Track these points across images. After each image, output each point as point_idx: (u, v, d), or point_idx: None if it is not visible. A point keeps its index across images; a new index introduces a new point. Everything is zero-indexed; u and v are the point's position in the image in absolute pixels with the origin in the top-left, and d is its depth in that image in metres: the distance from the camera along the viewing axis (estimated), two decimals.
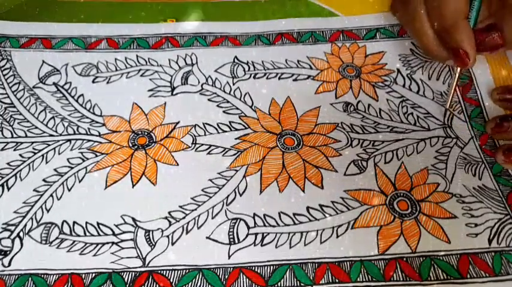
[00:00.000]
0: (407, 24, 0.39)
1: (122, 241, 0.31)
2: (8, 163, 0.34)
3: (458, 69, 0.36)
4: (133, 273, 0.29)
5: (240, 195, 0.33)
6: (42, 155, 0.34)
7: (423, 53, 0.41)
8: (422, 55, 0.41)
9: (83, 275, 0.29)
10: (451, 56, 0.35)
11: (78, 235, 0.31)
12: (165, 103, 0.38)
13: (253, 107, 0.38)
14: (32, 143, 0.35)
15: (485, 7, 0.37)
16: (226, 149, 0.35)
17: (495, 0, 0.37)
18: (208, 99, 0.38)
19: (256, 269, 0.30)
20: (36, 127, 0.36)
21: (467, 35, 0.33)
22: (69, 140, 0.35)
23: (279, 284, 0.29)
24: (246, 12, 0.44)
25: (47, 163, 0.34)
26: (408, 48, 0.42)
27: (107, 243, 0.30)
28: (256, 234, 0.31)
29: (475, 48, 0.34)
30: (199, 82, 0.39)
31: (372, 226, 0.31)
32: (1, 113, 0.36)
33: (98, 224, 0.31)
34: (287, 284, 0.29)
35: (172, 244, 0.31)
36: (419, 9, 0.36)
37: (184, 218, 0.32)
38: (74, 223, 0.31)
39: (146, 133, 0.36)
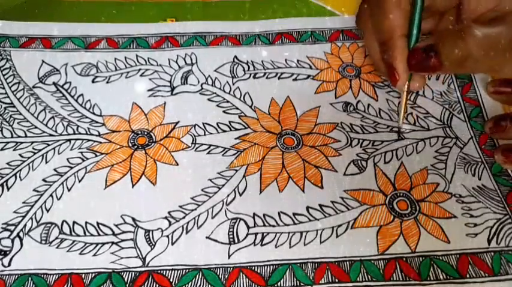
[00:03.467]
0: (362, 35, 0.38)
1: (122, 240, 0.31)
2: (7, 163, 0.34)
3: (405, 89, 0.34)
4: (133, 273, 0.29)
5: (240, 195, 0.33)
6: (42, 155, 0.34)
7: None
8: None
9: (83, 275, 0.29)
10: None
11: (78, 235, 0.31)
12: (164, 103, 0.38)
13: (252, 107, 0.38)
14: (32, 143, 0.35)
15: (434, 22, 0.36)
16: (226, 149, 0.35)
17: (445, 18, 0.36)
18: (208, 99, 0.38)
19: (256, 269, 0.30)
20: (36, 127, 0.36)
21: (399, 52, 0.32)
22: (69, 140, 0.35)
23: (278, 284, 0.29)
24: (245, 12, 0.44)
25: (46, 162, 0.34)
26: None
27: (107, 243, 0.30)
28: (256, 234, 0.31)
29: (405, 67, 0.32)
30: (199, 82, 0.39)
31: (371, 225, 0.31)
32: (1, 112, 0.36)
33: (98, 224, 0.31)
34: (287, 284, 0.29)
35: (172, 243, 0.31)
36: (367, 23, 0.35)
37: (184, 218, 0.32)
38: (74, 222, 0.31)
39: (146, 133, 0.36)
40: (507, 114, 0.36)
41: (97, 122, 0.36)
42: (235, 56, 0.41)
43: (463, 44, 0.30)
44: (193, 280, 0.29)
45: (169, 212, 0.32)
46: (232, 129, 0.36)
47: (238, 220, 0.32)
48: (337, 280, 0.29)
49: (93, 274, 0.29)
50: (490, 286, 0.29)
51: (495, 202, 0.33)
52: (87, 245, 0.30)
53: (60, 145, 0.35)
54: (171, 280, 0.29)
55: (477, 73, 0.39)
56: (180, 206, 0.32)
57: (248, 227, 0.31)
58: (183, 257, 0.30)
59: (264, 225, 0.31)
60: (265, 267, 0.30)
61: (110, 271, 0.29)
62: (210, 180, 0.33)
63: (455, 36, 0.30)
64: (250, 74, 0.40)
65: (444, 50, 0.30)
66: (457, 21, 0.35)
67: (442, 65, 0.31)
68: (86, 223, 0.31)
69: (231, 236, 0.31)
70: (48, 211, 0.32)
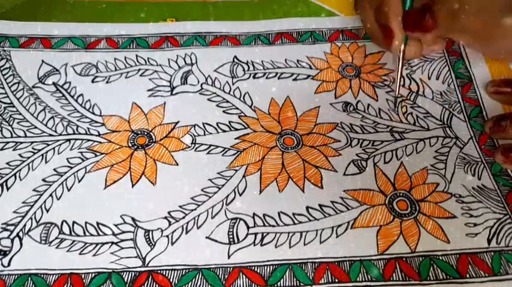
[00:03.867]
0: (359, 13, 0.39)
1: (122, 240, 0.31)
2: (7, 163, 0.34)
3: (401, 52, 0.35)
4: (133, 273, 0.29)
5: (240, 195, 0.33)
6: (42, 155, 0.34)
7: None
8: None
9: (83, 275, 0.29)
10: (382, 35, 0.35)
11: (78, 235, 0.31)
12: (164, 103, 0.38)
13: (252, 107, 0.38)
14: (32, 143, 0.35)
15: None
16: (226, 149, 0.35)
17: None
18: (208, 99, 0.38)
19: (255, 269, 0.30)
20: (36, 127, 0.36)
21: (394, 10, 0.33)
22: (69, 140, 0.35)
23: (278, 284, 0.29)
24: (245, 12, 0.44)
25: (46, 162, 0.34)
26: None
27: (107, 243, 0.30)
28: (255, 234, 0.31)
29: (400, 24, 0.33)
30: (198, 82, 0.39)
31: (371, 225, 0.31)
32: (0, 112, 0.36)
33: (98, 224, 0.31)
34: (287, 284, 0.29)
35: (172, 243, 0.31)
36: None
37: (183, 218, 0.32)
38: (74, 222, 0.31)
39: (146, 133, 0.36)
40: (507, 114, 0.36)
41: (97, 122, 0.36)
42: (235, 56, 0.41)
43: (457, 3, 0.31)
44: (193, 280, 0.29)
45: (169, 212, 0.32)
46: (232, 129, 0.36)
47: (238, 220, 0.32)
48: (337, 280, 0.29)
49: (93, 274, 0.29)
50: (490, 285, 0.29)
51: (495, 202, 0.33)
52: (87, 245, 0.30)
53: (60, 144, 0.35)
54: (171, 280, 0.29)
55: (471, 40, 0.37)
56: (180, 206, 0.32)
57: (248, 227, 0.31)
58: (183, 257, 0.30)
59: (264, 225, 0.31)
60: (265, 267, 0.30)
61: (110, 271, 0.29)
62: (210, 180, 0.33)
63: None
64: (250, 74, 0.40)
65: (438, 11, 0.32)
66: None
67: (437, 25, 0.32)
68: (86, 223, 0.31)
69: (231, 236, 0.31)
70: (48, 211, 0.32)
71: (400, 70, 0.35)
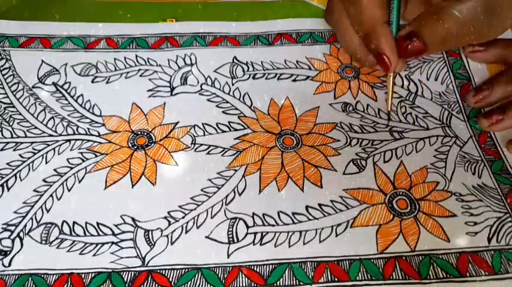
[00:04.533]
0: (336, 32, 0.39)
1: (122, 240, 0.31)
2: (7, 163, 0.34)
3: (391, 74, 0.35)
4: (132, 273, 0.29)
5: (239, 195, 0.33)
6: (42, 155, 0.34)
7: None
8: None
9: (83, 275, 0.29)
10: (375, 61, 0.35)
11: (78, 235, 0.31)
12: (164, 103, 0.38)
13: (252, 108, 0.38)
14: (32, 143, 0.35)
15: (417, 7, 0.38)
16: (226, 149, 0.35)
17: (416, 3, 0.37)
18: (208, 100, 0.38)
19: (255, 268, 0.30)
20: (36, 127, 0.36)
21: (385, 39, 0.33)
22: (69, 140, 0.35)
23: (278, 283, 0.29)
24: (245, 13, 0.44)
25: (46, 163, 0.34)
26: None
27: (107, 243, 0.30)
28: (255, 233, 0.31)
29: (395, 51, 0.33)
30: (198, 82, 0.39)
31: (371, 224, 0.32)
32: (0, 113, 0.36)
33: (98, 224, 0.31)
34: (286, 283, 0.29)
35: (172, 243, 0.31)
36: (343, 18, 0.35)
37: (183, 217, 0.32)
38: (74, 223, 0.31)
39: (146, 133, 0.36)
40: (486, 80, 0.39)
41: (97, 123, 0.36)
42: (235, 57, 0.41)
43: (442, 24, 0.31)
44: (193, 280, 0.29)
45: (168, 212, 0.32)
46: (231, 129, 0.36)
47: (237, 219, 0.32)
48: (336, 279, 0.29)
49: (93, 274, 0.29)
50: (490, 284, 0.29)
51: (495, 201, 0.33)
52: (87, 245, 0.30)
53: (60, 145, 0.35)
54: (171, 279, 0.29)
55: (464, 45, 0.41)
56: (180, 206, 0.32)
57: (247, 227, 0.31)
58: (183, 257, 0.30)
59: (264, 224, 0.31)
60: (265, 266, 0.30)
61: (110, 270, 0.29)
62: (210, 180, 0.33)
63: (433, 18, 0.32)
64: (250, 75, 0.40)
65: (426, 34, 0.32)
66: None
67: (427, 47, 0.32)
68: (86, 223, 0.31)
69: (231, 235, 0.31)
70: (48, 211, 0.32)
71: (391, 88, 0.36)
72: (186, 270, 0.30)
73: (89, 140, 0.35)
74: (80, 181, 0.33)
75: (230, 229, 0.31)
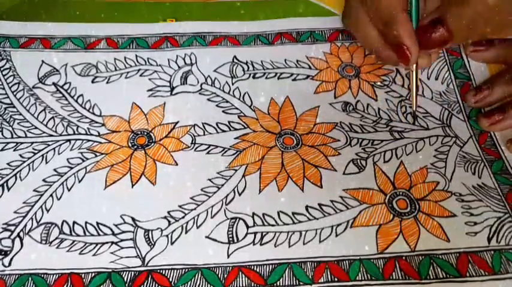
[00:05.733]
0: (355, 32, 0.38)
1: (122, 240, 0.31)
2: (8, 163, 0.34)
3: (414, 68, 0.34)
4: (132, 272, 0.29)
5: (239, 194, 0.33)
6: (42, 155, 0.34)
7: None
8: None
9: (83, 275, 0.29)
10: (395, 55, 0.33)
11: (78, 235, 0.31)
12: (164, 103, 0.38)
13: (252, 107, 0.38)
14: (32, 143, 0.35)
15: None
16: (226, 149, 0.35)
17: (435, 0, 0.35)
18: (208, 99, 0.38)
19: (255, 268, 0.30)
20: (36, 127, 0.36)
21: (405, 27, 0.31)
22: (69, 140, 0.35)
23: (278, 283, 0.29)
24: (245, 12, 0.44)
25: (46, 163, 0.34)
26: None
27: (107, 243, 0.31)
28: (255, 233, 0.31)
29: (415, 41, 0.32)
30: (198, 82, 0.39)
31: (371, 224, 0.31)
32: (1, 113, 0.36)
33: (98, 224, 0.31)
34: (286, 283, 0.29)
35: (172, 243, 0.31)
36: (359, 11, 0.34)
37: (183, 217, 0.32)
38: (74, 223, 0.31)
39: (145, 133, 0.36)
40: (481, 84, 0.38)
41: (97, 122, 0.36)
42: (235, 56, 0.41)
43: (469, 8, 0.29)
44: (193, 280, 0.29)
45: (168, 212, 0.32)
46: (231, 129, 0.36)
47: (237, 219, 0.32)
48: (336, 279, 0.29)
49: (93, 274, 0.29)
50: (490, 284, 0.29)
51: (495, 201, 0.33)
52: (87, 245, 0.30)
53: (60, 145, 0.35)
54: (171, 279, 0.29)
55: (489, 36, 0.38)
56: (180, 206, 0.32)
57: (247, 227, 0.31)
58: (183, 257, 0.30)
59: (263, 224, 0.31)
60: (265, 266, 0.30)
61: (110, 270, 0.29)
62: (210, 180, 0.33)
63: (460, 2, 0.30)
64: (250, 74, 0.40)
65: (451, 20, 0.30)
66: None
67: (453, 35, 0.30)
68: (86, 223, 0.31)
69: (231, 235, 0.31)
70: (48, 211, 0.32)
71: (415, 84, 0.34)
72: (186, 270, 0.30)
73: (89, 140, 0.35)
74: (80, 181, 0.33)
75: (230, 229, 0.31)
